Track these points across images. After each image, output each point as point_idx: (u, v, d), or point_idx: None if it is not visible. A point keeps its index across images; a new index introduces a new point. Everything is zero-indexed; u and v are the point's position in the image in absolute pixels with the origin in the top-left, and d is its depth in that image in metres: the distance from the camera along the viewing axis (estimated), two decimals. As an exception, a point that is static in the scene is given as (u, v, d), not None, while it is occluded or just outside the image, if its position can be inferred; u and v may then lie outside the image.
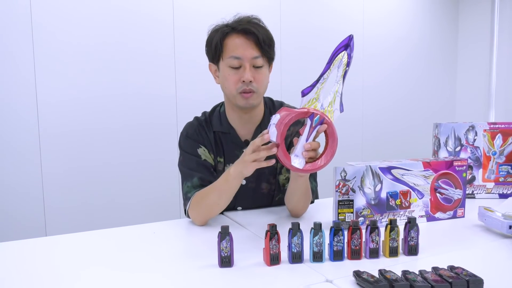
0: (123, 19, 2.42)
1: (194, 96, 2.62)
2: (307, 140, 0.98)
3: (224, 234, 0.86)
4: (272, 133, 0.96)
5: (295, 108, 1.31)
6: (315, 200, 1.36)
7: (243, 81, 1.18)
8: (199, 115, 1.35)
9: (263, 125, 1.30)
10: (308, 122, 0.98)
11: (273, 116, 0.97)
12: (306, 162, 0.99)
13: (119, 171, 2.47)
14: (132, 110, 2.49)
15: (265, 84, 1.24)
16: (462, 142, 1.44)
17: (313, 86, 0.99)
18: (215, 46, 1.21)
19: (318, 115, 0.97)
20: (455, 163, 1.18)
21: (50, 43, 2.25)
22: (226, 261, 0.87)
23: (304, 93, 0.99)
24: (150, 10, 2.49)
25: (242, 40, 1.18)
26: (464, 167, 1.19)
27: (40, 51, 2.24)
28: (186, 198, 1.23)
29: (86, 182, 2.39)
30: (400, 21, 3.52)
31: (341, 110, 1.02)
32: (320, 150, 1.02)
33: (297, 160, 0.98)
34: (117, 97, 2.44)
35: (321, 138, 1.02)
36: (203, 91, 2.57)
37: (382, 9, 3.41)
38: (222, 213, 1.31)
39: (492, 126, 1.42)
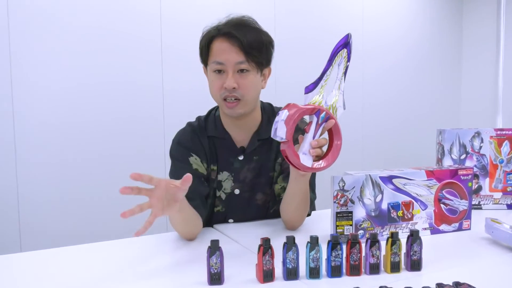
0: (107, 11, 2.38)
1: (181, 88, 2.54)
2: (314, 137, 0.99)
3: (214, 249, 0.83)
4: (281, 129, 0.95)
5: None
6: (312, 212, 1.32)
7: (226, 88, 1.14)
8: (191, 118, 1.31)
9: (261, 131, 1.26)
10: (314, 119, 0.99)
11: (280, 111, 0.97)
12: (313, 161, 1.00)
13: (99, 182, 2.38)
14: (116, 106, 2.41)
15: (253, 90, 1.19)
16: (467, 150, 1.42)
17: (316, 83, 1.01)
18: (202, 49, 1.20)
19: (324, 112, 0.98)
20: (460, 172, 1.16)
21: (28, 32, 2.19)
22: (216, 278, 0.84)
23: (309, 89, 1.01)
24: (137, 2, 2.45)
25: (226, 45, 1.14)
26: (470, 176, 1.17)
27: (17, 40, 2.17)
28: None
29: (63, 194, 2.31)
30: (400, 22, 3.49)
31: (344, 107, 1.04)
32: (324, 148, 1.02)
33: (305, 158, 0.98)
34: (98, 91, 2.37)
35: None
36: (190, 85, 2.50)
37: (382, 7, 3.38)
38: (211, 226, 1.27)
39: (499, 132, 1.40)
